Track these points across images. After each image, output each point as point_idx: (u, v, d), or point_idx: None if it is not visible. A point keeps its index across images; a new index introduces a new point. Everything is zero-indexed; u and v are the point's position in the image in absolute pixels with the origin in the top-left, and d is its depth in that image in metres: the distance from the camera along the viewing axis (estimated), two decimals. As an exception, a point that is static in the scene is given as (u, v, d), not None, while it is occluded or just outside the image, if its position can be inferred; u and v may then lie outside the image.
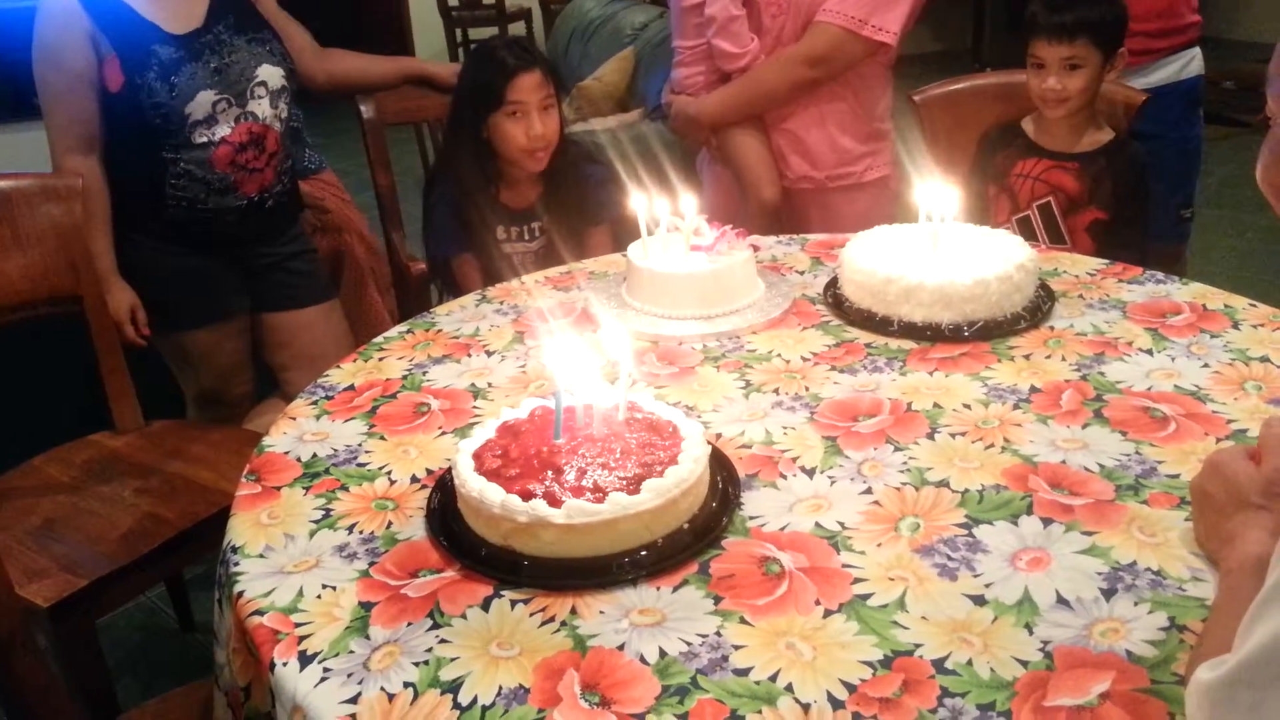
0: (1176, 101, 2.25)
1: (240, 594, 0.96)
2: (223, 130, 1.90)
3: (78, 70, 1.83)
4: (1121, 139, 1.97)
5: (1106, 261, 1.60)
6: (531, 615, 0.90)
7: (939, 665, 0.82)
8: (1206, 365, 1.26)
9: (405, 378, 1.36)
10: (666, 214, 1.50)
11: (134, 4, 1.84)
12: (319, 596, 0.94)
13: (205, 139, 1.89)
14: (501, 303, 1.58)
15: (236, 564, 1.00)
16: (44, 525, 1.62)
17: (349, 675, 0.85)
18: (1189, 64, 2.26)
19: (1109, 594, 0.89)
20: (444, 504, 1.04)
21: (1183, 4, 2.24)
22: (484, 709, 0.81)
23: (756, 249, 1.59)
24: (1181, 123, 2.27)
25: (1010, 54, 2.02)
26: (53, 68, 1.84)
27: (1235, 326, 1.36)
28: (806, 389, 1.26)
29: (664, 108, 2.41)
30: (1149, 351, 1.30)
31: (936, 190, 1.43)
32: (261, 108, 1.94)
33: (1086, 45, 1.87)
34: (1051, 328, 1.38)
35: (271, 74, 1.96)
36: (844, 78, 2.12)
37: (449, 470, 1.06)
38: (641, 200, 1.50)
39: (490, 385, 1.33)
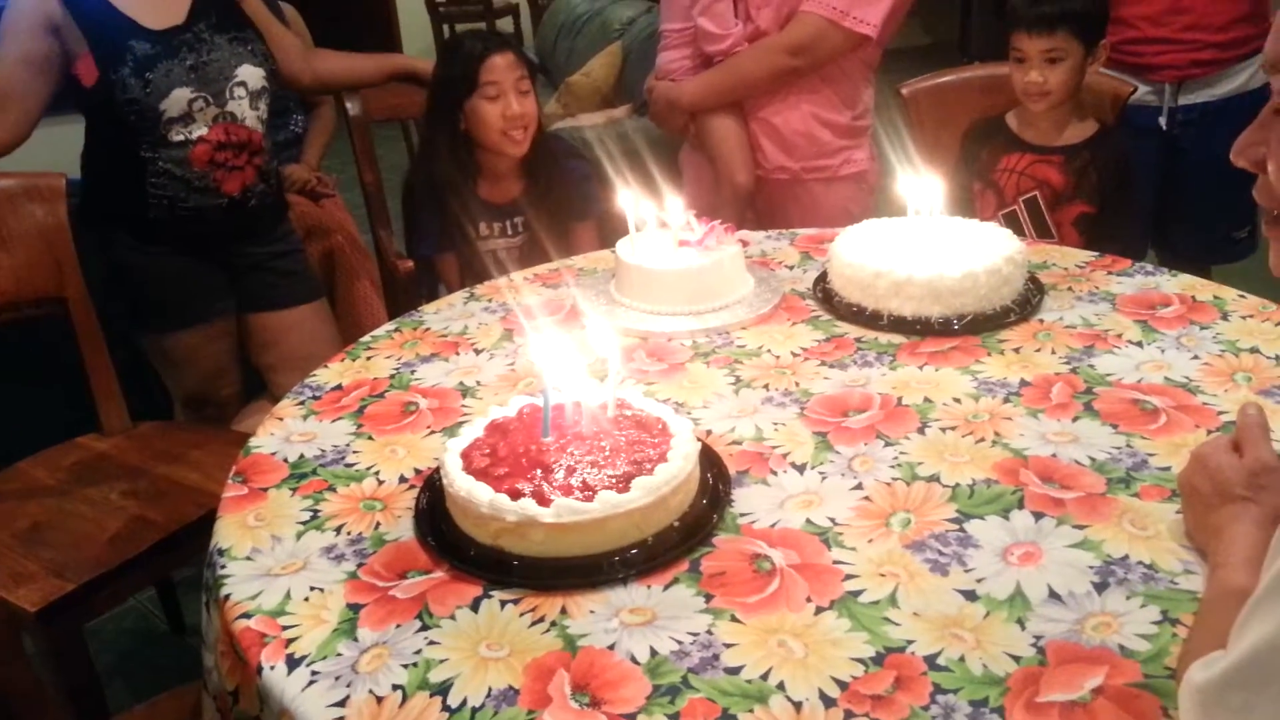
0: (1245, 113, 2.09)
1: (227, 597, 0.95)
2: (200, 129, 1.88)
3: (24, 51, 1.80)
4: (1106, 131, 1.96)
5: (1095, 254, 1.60)
6: (521, 615, 0.89)
7: (931, 662, 0.82)
8: (1196, 357, 1.26)
9: (393, 377, 1.35)
10: (654, 210, 1.50)
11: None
12: (306, 599, 0.94)
13: (182, 137, 1.87)
14: (490, 300, 1.58)
15: (223, 566, 0.99)
16: (31, 529, 1.61)
17: (337, 678, 0.84)
18: (1257, 73, 2.08)
19: (1101, 588, 0.89)
20: (432, 504, 1.03)
21: (1266, 6, 2.07)
22: (474, 710, 0.80)
23: (745, 244, 1.59)
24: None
25: (998, 46, 2.02)
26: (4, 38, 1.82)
27: (1225, 318, 1.36)
28: (796, 384, 1.26)
29: (645, 94, 2.41)
30: (1139, 344, 1.30)
31: (921, 183, 1.42)
32: (241, 108, 1.92)
33: (1068, 37, 1.87)
34: (1041, 320, 1.38)
35: (252, 74, 1.94)
36: (825, 71, 2.12)
37: (437, 470, 1.05)
38: (629, 197, 1.49)
39: (479, 384, 1.32)
